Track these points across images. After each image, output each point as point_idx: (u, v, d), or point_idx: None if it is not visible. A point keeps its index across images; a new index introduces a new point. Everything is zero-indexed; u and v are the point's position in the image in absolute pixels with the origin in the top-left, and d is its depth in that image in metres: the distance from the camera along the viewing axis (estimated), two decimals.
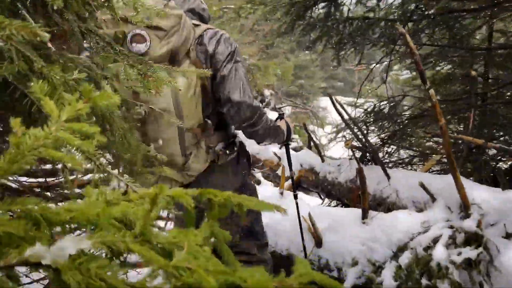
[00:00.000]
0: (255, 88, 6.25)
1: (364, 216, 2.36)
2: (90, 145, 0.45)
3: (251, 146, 4.23)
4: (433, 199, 2.26)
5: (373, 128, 3.20)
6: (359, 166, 2.28)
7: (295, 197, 2.45)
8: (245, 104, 1.58)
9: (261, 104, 1.77)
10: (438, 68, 3.37)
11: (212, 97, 1.64)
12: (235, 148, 1.81)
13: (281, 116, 2.14)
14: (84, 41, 0.93)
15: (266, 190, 3.00)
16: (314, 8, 2.52)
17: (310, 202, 4.01)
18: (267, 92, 6.73)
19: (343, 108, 2.63)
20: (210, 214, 0.58)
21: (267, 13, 2.45)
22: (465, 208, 1.92)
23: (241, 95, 1.58)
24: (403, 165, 2.99)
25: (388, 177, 2.55)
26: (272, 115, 6.10)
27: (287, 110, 6.90)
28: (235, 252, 1.04)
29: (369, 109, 3.21)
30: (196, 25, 1.62)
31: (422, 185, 2.20)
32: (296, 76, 19.04)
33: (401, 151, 3.03)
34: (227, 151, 1.74)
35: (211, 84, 1.62)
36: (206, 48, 1.58)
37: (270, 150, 3.96)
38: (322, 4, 2.52)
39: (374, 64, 2.97)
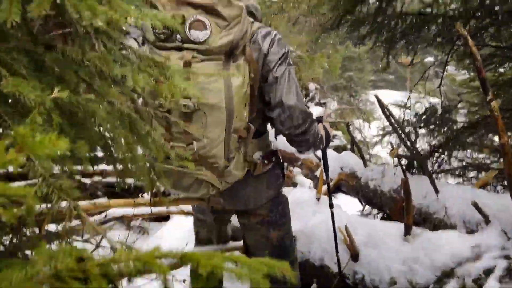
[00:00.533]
0: (300, 81, 6.05)
1: (407, 232, 2.17)
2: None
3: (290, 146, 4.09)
4: (487, 221, 2.02)
5: (423, 131, 2.95)
6: (405, 177, 2.09)
7: (331, 206, 2.29)
8: (298, 109, 1.48)
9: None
10: (501, 70, 3.04)
11: (259, 100, 1.52)
12: (273, 159, 1.67)
13: (319, 120, 1.90)
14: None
15: (302, 194, 2.85)
16: (363, 2, 2.32)
17: (350, 206, 3.82)
18: (311, 86, 6.51)
19: (389, 111, 2.42)
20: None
21: (312, 8, 2.28)
22: None
23: (295, 100, 1.47)
24: (454, 176, 2.73)
25: (437, 191, 2.32)
26: (316, 110, 5.91)
27: (333, 105, 6.66)
28: None
29: (420, 112, 2.96)
30: (251, 22, 1.50)
31: (475, 205, 1.97)
32: (345, 69, 18.50)
33: (453, 161, 2.76)
34: (265, 161, 1.61)
35: (258, 86, 1.50)
36: (260, 47, 1.47)
37: None
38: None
39: (429, 67, 2.70)
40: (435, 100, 3.23)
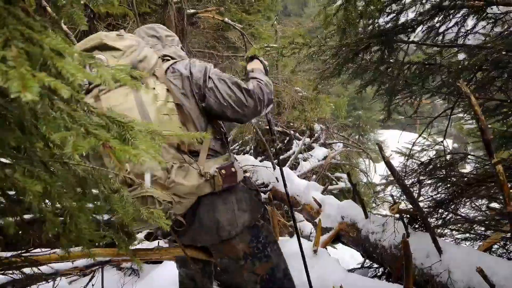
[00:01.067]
0: (305, 122, 5.99)
1: None
2: None
3: (291, 186, 3.97)
4: None
5: (429, 182, 2.81)
6: (406, 236, 1.94)
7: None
8: (245, 96, 1.68)
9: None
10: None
11: (202, 120, 1.67)
12: (234, 170, 1.68)
13: (253, 57, 2.11)
14: None
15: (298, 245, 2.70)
16: (365, 51, 2.25)
17: (350, 256, 3.64)
18: (317, 126, 6.44)
19: (390, 164, 2.31)
20: None
21: (312, 54, 2.23)
22: None
23: (235, 92, 1.67)
24: (460, 233, 2.56)
25: (440, 251, 2.16)
26: (320, 150, 5.76)
27: (338, 146, 6.55)
28: None
29: (425, 162, 2.83)
30: (167, 60, 1.73)
31: (481, 272, 1.81)
32: (353, 107, 18.50)
33: (459, 217, 2.60)
34: (222, 171, 1.63)
35: (198, 106, 1.65)
36: (181, 73, 1.65)
37: (311, 195, 3.66)
38: (375, 48, 2.24)
39: (433, 118, 2.60)
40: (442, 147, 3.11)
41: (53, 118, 0.67)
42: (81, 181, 0.86)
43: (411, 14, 2.27)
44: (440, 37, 2.39)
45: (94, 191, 1.04)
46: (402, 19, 2.07)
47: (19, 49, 0.58)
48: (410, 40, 2.14)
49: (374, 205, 5.58)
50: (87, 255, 1.72)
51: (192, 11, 4.84)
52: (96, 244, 1.29)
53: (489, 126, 3.20)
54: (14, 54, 0.56)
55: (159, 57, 1.70)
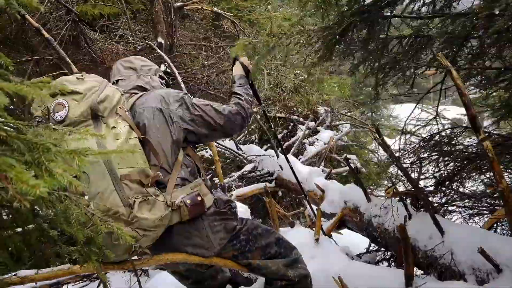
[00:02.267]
0: (308, 105, 5.87)
1: (408, 283, 1.92)
2: None
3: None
4: (498, 270, 1.76)
5: (430, 159, 2.69)
6: (401, 224, 1.85)
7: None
8: (232, 118, 1.87)
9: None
10: None
11: (175, 145, 1.74)
12: (200, 199, 1.72)
13: (236, 58, 2.26)
14: None
15: (300, 236, 2.64)
16: (351, 31, 2.13)
17: (357, 241, 3.55)
18: (321, 109, 6.29)
19: (385, 146, 2.21)
20: None
21: (297, 41, 2.12)
22: None
23: (222, 117, 1.84)
24: (463, 211, 2.44)
25: (442, 232, 2.07)
26: (326, 133, 5.66)
27: (345, 127, 6.40)
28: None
29: (426, 138, 2.71)
30: (133, 94, 1.85)
31: (483, 252, 1.72)
32: (364, 84, 18.17)
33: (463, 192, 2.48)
34: (188, 202, 1.68)
35: (172, 135, 1.74)
36: (152, 106, 1.76)
37: (314, 182, 3.58)
38: (360, 26, 2.12)
39: (424, 94, 2.46)
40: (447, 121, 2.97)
41: None
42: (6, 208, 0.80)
43: None
44: (430, 8, 2.25)
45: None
46: None
47: None
48: (393, 14, 2.02)
49: (385, 183, 5.47)
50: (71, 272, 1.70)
51: (179, 4, 4.73)
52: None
53: (494, 94, 3.05)
54: None
55: (123, 94, 1.76)
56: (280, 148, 3.19)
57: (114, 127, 1.59)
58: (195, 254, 1.78)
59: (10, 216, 0.91)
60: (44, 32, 2.96)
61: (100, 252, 1.30)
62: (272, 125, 2.64)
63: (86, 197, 1.45)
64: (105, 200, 1.49)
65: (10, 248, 0.78)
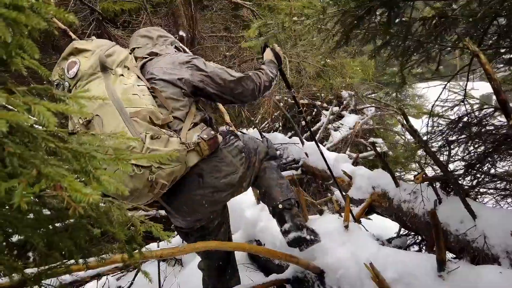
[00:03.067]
0: (332, 90, 5.82)
1: (441, 269, 1.92)
2: None
3: (320, 160, 3.90)
4: None
5: (459, 142, 2.65)
6: (431, 209, 1.85)
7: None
8: (234, 84, 1.99)
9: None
10: None
11: (181, 97, 1.87)
12: (213, 133, 1.87)
13: (266, 45, 2.38)
14: None
15: (329, 223, 2.66)
16: (370, 15, 2.11)
17: (388, 226, 3.55)
18: (345, 93, 6.23)
19: (413, 130, 2.19)
20: None
21: (313, 25, 2.12)
22: None
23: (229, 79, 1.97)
24: (495, 193, 2.41)
25: (474, 215, 2.05)
26: (351, 117, 5.61)
27: (370, 110, 6.32)
28: None
29: (454, 120, 2.66)
30: (145, 58, 1.99)
31: None
32: (388, 64, 17.78)
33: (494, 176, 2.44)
34: (205, 136, 1.83)
35: (183, 91, 1.87)
36: (161, 66, 1.89)
37: (340, 168, 3.58)
38: (380, 11, 2.10)
39: (451, 77, 2.42)
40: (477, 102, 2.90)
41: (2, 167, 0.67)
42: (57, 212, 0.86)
43: None
44: None
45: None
46: None
47: None
48: None
49: (413, 166, 5.40)
50: (112, 262, 1.78)
51: None
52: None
53: None
54: None
55: (130, 53, 1.93)
56: (310, 133, 3.21)
57: (121, 74, 1.75)
58: (228, 184, 1.95)
59: (58, 218, 0.97)
60: (70, 33, 3.05)
61: (140, 250, 1.37)
62: (302, 110, 2.72)
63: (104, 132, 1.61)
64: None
65: (62, 251, 0.84)
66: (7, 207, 0.76)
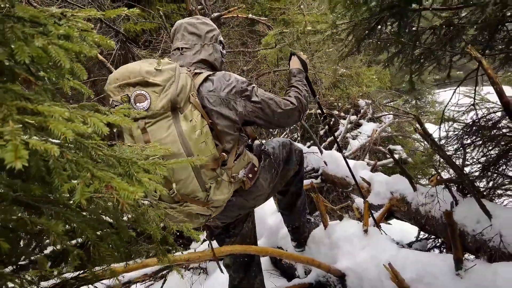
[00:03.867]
0: (348, 100, 5.91)
1: (458, 267, 1.98)
2: None
3: (339, 168, 3.98)
4: None
5: (474, 145, 2.70)
6: (446, 210, 1.92)
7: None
8: (286, 112, 2.03)
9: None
10: None
11: (233, 131, 1.90)
12: (256, 168, 2.08)
13: (292, 53, 2.44)
14: None
15: (349, 228, 2.73)
16: (381, 25, 2.21)
17: (407, 230, 3.59)
18: (362, 102, 6.30)
19: (427, 135, 2.27)
20: None
21: (327, 38, 2.24)
22: None
23: (280, 109, 2.00)
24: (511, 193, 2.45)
25: (489, 215, 2.11)
26: (368, 126, 5.66)
27: (388, 118, 6.37)
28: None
29: (468, 123, 2.72)
30: (198, 73, 1.91)
31: None
32: (404, 71, 17.72)
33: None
34: (250, 175, 2.02)
35: (232, 118, 1.88)
36: (215, 89, 1.86)
37: (359, 175, 3.65)
38: (391, 20, 2.20)
39: (460, 82, 2.49)
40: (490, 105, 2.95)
41: (60, 171, 0.80)
42: (105, 212, 0.99)
43: None
44: None
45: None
46: None
47: (15, 122, 0.71)
48: (422, 7, 2.08)
49: (432, 171, 5.39)
50: (144, 265, 1.91)
51: (216, 14, 4.95)
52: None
53: None
54: (10, 129, 0.69)
55: (192, 75, 1.87)
56: (336, 144, 3.31)
57: (191, 120, 1.72)
58: (254, 204, 2.19)
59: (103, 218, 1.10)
60: (98, 54, 3.25)
61: (172, 249, 1.49)
62: (327, 116, 2.84)
63: (174, 185, 1.72)
64: (186, 186, 1.74)
65: (110, 245, 0.97)
66: (65, 206, 0.89)
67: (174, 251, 1.51)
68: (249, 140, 2.19)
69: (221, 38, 2.19)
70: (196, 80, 1.87)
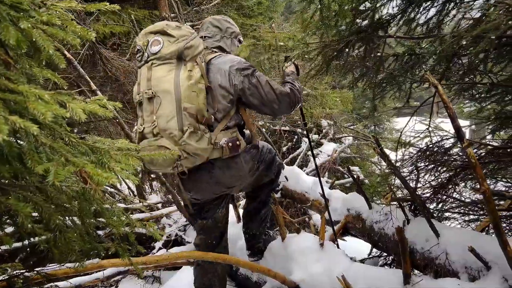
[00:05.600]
0: (312, 119, 6.08)
1: (406, 281, 2.09)
2: None
3: (299, 184, 4.06)
4: (488, 267, 1.93)
5: (427, 168, 2.86)
6: (398, 226, 2.02)
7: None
8: (281, 98, 2.22)
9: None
10: (508, 99, 2.95)
11: (226, 102, 2.16)
12: (238, 143, 2.22)
13: (286, 58, 2.61)
14: None
15: (305, 241, 2.80)
16: (349, 48, 2.34)
17: (360, 247, 3.71)
18: (324, 122, 6.50)
19: (384, 155, 2.39)
20: None
21: (297, 56, 2.35)
22: None
23: (274, 95, 2.20)
24: (458, 216, 2.61)
25: (437, 234, 2.23)
26: (329, 146, 5.78)
27: (348, 140, 6.59)
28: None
29: (422, 149, 2.89)
30: (213, 52, 2.26)
31: (473, 251, 1.89)
32: (366, 97, 18.37)
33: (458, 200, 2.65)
34: (230, 144, 2.17)
35: (231, 95, 2.16)
36: (221, 67, 2.15)
37: (318, 191, 3.75)
38: (358, 44, 2.33)
39: (417, 108, 2.67)
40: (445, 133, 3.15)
41: (33, 153, 0.81)
42: (73, 200, 0.99)
43: (390, 9, 2.35)
44: (423, 28, 2.46)
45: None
46: (377, 16, 2.15)
47: None
48: (387, 34, 2.22)
49: (386, 193, 5.60)
50: (99, 266, 1.87)
51: (189, 24, 4.99)
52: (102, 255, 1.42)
53: (488, 107, 3.23)
54: None
55: (206, 48, 2.23)
56: (312, 153, 3.39)
57: (190, 70, 2.02)
58: (232, 187, 2.36)
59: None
60: (65, 52, 3.19)
61: (133, 248, 1.48)
62: (307, 123, 3.01)
63: (154, 116, 2.01)
64: (166, 121, 1.99)
65: (76, 233, 0.97)
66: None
67: (134, 252, 1.50)
68: (243, 124, 2.37)
69: (241, 38, 2.50)
70: (209, 56, 2.20)
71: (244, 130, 2.50)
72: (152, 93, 2.03)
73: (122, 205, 3.29)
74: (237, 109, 2.28)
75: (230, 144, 2.17)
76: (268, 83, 2.21)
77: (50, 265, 1.91)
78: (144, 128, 2.09)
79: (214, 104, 2.14)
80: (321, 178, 4.31)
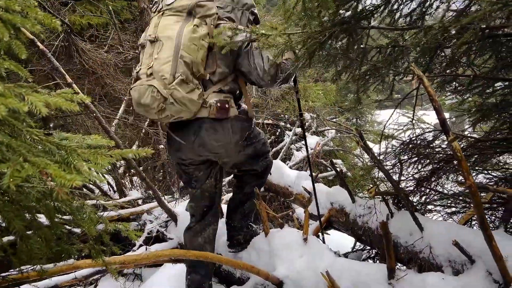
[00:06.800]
0: (295, 112, 6.04)
1: (391, 276, 2.07)
2: None
3: (283, 178, 4.02)
4: (472, 261, 1.92)
5: (410, 161, 2.85)
6: (382, 220, 2.00)
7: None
8: (266, 69, 2.27)
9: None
10: (489, 91, 2.95)
11: (221, 64, 2.21)
12: (227, 106, 2.24)
13: None
14: None
15: (289, 236, 2.76)
16: (332, 40, 2.28)
17: (343, 241, 3.70)
18: (307, 115, 6.47)
19: (367, 148, 2.36)
20: None
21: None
22: (506, 283, 1.58)
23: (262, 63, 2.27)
24: (441, 210, 2.61)
25: (421, 228, 2.22)
26: (312, 139, 5.75)
27: (331, 133, 6.59)
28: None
29: (405, 141, 2.87)
30: (224, 21, 2.22)
31: (457, 244, 1.87)
32: (349, 90, 18.47)
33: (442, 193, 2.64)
34: (218, 104, 2.20)
35: (232, 63, 2.25)
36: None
37: (301, 185, 3.71)
38: (341, 36, 2.28)
39: (400, 100, 2.65)
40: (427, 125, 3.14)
41: None
42: (36, 203, 0.92)
43: (374, 0, 2.31)
44: (407, 19, 2.42)
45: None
46: (360, 6, 2.10)
47: None
48: (370, 25, 2.18)
49: (370, 185, 5.62)
50: (75, 267, 1.78)
51: None
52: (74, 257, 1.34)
53: (470, 99, 3.23)
54: None
55: (217, 14, 2.20)
56: (306, 149, 3.34)
57: (196, 25, 2.08)
58: (215, 153, 2.37)
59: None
60: (38, 43, 3.05)
61: (108, 249, 1.41)
62: (302, 113, 2.98)
63: (152, 59, 2.09)
64: (161, 64, 2.06)
65: (40, 238, 0.89)
66: None
67: (109, 253, 1.43)
68: (240, 96, 2.43)
69: (255, 11, 2.45)
70: (217, 22, 2.21)
71: (240, 103, 2.53)
72: (155, 37, 2.11)
73: (102, 202, 3.19)
74: (235, 78, 2.34)
75: (218, 104, 2.20)
76: (259, 50, 2.27)
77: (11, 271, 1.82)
78: (140, 69, 2.16)
79: (213, 66, 2.19)
80: (304, 172, 4.29)
